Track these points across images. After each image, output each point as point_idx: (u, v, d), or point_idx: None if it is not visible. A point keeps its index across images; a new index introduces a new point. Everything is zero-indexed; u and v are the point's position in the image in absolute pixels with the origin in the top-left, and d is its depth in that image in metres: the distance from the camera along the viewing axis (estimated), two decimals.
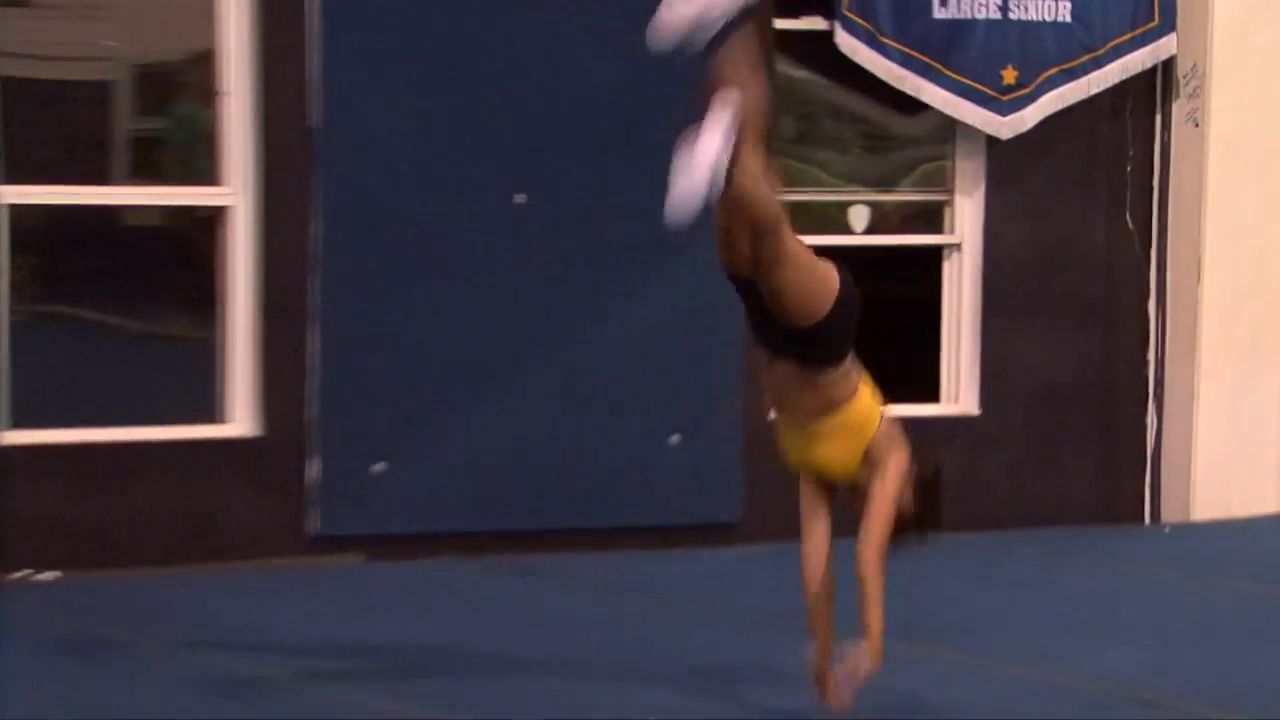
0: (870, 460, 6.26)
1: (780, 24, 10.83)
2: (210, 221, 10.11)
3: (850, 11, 10.77)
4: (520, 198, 10.75)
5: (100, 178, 10.44)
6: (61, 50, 10.55)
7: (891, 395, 10.86)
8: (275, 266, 10.14)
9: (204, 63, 10.29)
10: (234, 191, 10.09)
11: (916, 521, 6.55)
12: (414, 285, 10.72)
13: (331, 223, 10.12)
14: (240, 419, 10.08)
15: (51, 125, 10.73)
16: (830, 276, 5.90)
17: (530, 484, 10.28)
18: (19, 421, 9.81)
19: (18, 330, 9.83)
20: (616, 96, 10.64)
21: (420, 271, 10.69)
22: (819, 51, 11.07)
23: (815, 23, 10.86)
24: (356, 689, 8.04)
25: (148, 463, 9.92)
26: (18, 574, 9.59)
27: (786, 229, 5.87)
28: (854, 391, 6.12)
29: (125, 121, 10.89)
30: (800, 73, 11.41)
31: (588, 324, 10.99)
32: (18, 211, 9.85)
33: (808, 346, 5.92)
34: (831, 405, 6.11)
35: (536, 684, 7.99)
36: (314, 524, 9.93)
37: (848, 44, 10.76)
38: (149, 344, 10.73)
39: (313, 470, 9.88)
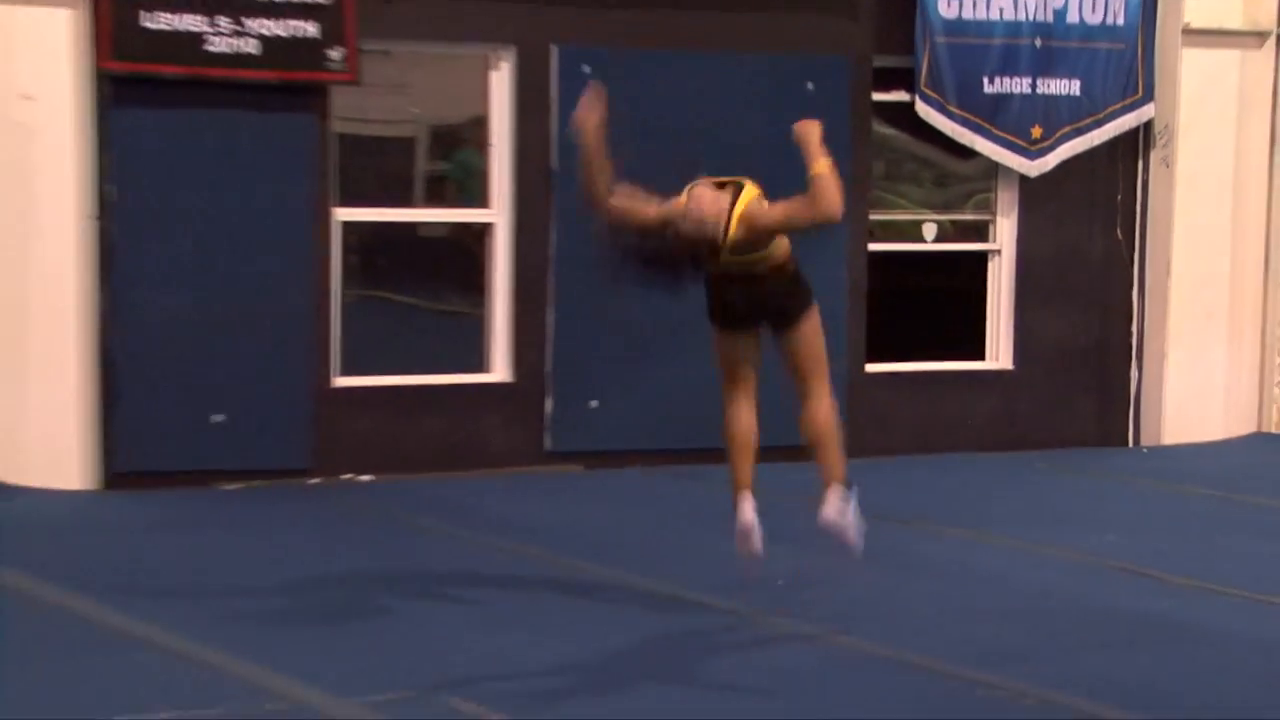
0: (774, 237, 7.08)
1: (877, 97, 12.81)
2: (480, 233, 12.01)
3: (926, 88, 12.75)
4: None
5: (405, 202, 12.39)
6: (380, 115, 12.42)
7: (952, 355, 13.23)
8: (524, 265, 12.01)
9: (479, 123, 12.22)
10: (497, 212, 11.95)
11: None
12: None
13: (563, 234, 11.85)
14: (499, 369, 11.98)
15: (372, 167, 12.51)
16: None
17: (699, 413, 10.88)
18: (347, 370, 11.80)
19: (347, 308, 11.77)
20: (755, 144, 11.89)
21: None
22: (903, 116, 13.02)
23: (901, 96, 12.83)
24: (583, 560, 9.65)
25: (436, 399, 11.87)
26: (345, 476, 11.68)
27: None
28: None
29: (423, 163, 12.82)
30: (889, 131, 13.24)
31: None
32: (348, 226, 11.78)
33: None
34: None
35: (710, 555, 9.20)
36: (548, 443, 11.94)
37: (924, 111, 12.77)
38: (438, 318, 12.65)
39: (548, 405, 11.81)
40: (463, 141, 12.72)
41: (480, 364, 12.14)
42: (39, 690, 7.16)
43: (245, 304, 11.47)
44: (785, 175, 11.29)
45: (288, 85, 11.55)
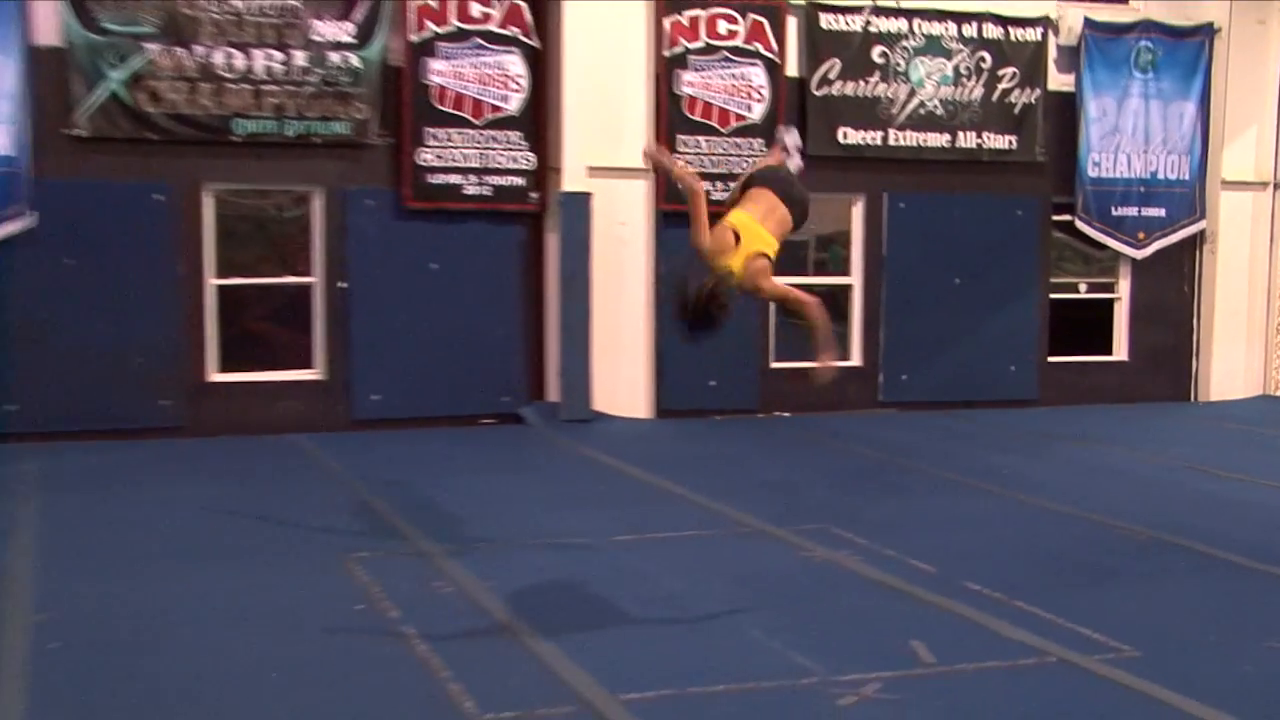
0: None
1: (1055, 217, 15.93)
2: (847, 291, 14.96)
3: (1081, 212, 16.09)
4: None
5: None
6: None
7: (1096, 352, 16.64)
8: (869, 306, 15.18)
9: (843, 236, 15.33)
10: (853, 281, 15.32)
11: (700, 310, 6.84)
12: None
13: (891, 290, 15.14)
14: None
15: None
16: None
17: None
18: (779, 356, 14.54)
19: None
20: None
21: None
22: (1068, 227, 16.31)
23: (1067, 216, 16.11)
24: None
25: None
26: (775, 413, 14.76)
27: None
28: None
29: (810, 254, 15.56)
30: (1060, 235, 16.31)
31: None
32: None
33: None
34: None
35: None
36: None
37: (1080, 225, 16.22)
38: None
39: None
40: (836, 240, 15.40)
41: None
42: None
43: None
44: (996, 263, 14.71)
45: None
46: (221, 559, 8.30)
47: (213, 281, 13.78)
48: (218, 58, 13.53)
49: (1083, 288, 16.92)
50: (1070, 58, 16.03)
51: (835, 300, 15.00)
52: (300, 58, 13.71)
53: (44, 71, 12.93)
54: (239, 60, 13.58)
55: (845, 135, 15.21)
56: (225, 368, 13.81)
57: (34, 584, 7.45)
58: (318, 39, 13.74)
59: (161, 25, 13.27)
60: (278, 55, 13.69)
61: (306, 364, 14.11)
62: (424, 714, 5.67)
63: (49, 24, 12.98)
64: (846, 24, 15.22)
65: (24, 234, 12.91)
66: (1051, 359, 16.46)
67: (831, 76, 15.08)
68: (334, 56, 13.77)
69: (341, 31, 13.83)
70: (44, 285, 13.03)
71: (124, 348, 13.16)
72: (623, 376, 14.44)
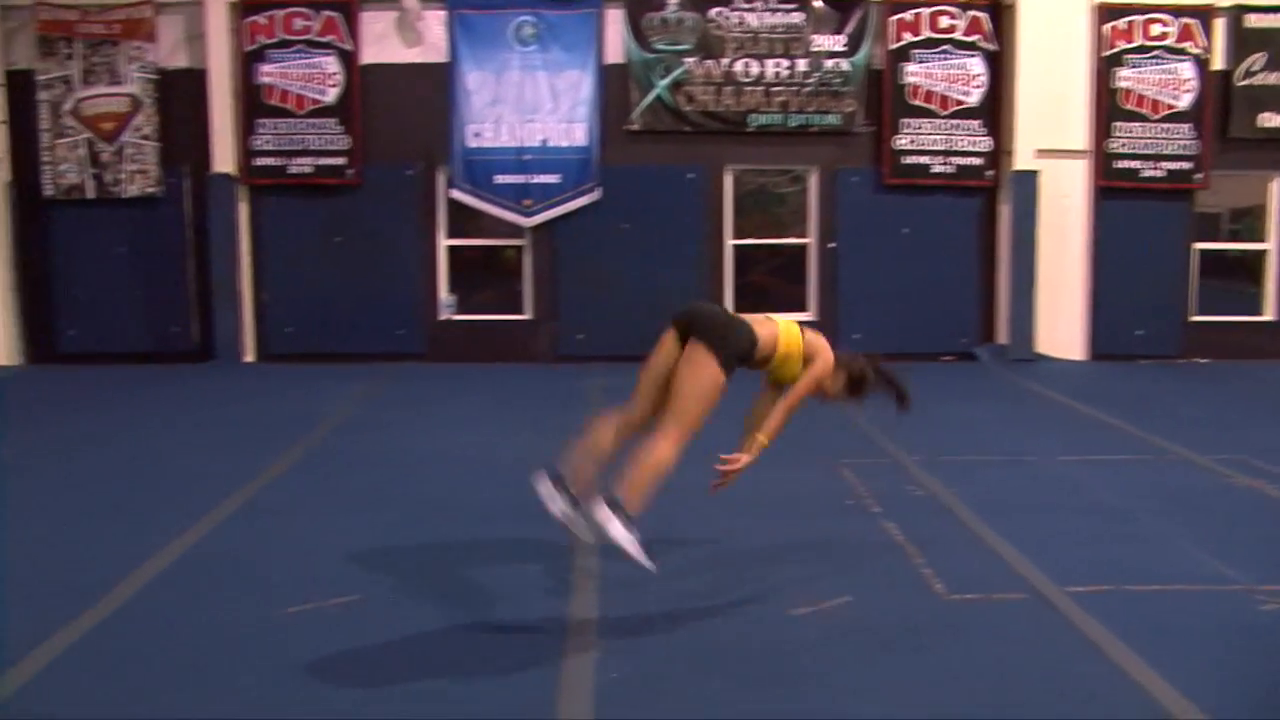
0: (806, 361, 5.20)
1: None
2: (1261, 256, 14.60)
3: None
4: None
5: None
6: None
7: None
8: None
9: (1258, 209, 14.64)
10: (1270, 246, 14.46)
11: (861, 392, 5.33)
12: None
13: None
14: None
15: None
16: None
17: None
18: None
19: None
20: None
21: None
22: None
23: None
24: None
25: None
26: (1195, 359, 14.04)
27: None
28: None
29: (1224, 225, 14.62)
30: None
31: None
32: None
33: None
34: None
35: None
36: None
37: None
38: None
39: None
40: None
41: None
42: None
43: None
44: None
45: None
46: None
47: (730, 241, 14.34)
48: (738, 67, 14.04)
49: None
50: None
51: (1249, 263, 14.54)
52: (802, 65, 14.08)
53: (611, 82, 13.92)
54: (754, 68, 14.02)
55: (1266, 120, 14.24)
56: (738, 309, 13.27)
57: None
58: (816, 49, 14.08)
59: (697, 43, 13.97)
60: (784, 63, 14.06)
61: (801, 308, 14.30)
62: (907, 590, 5.72)
63: (615, 46, 13.99)
64: (1273, 21, 14.20)
65: (593, 205, 13.96)
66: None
67: (1255, 69, 14.11)
68: (828, 63, 14.08)
69: (835, 43, 14.14)
70: (606, 243, 13.99)
71: (660, 291, 13.51)
72: (1061, 324, 14.15)
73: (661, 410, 4.81)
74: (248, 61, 13.83)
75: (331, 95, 13.83)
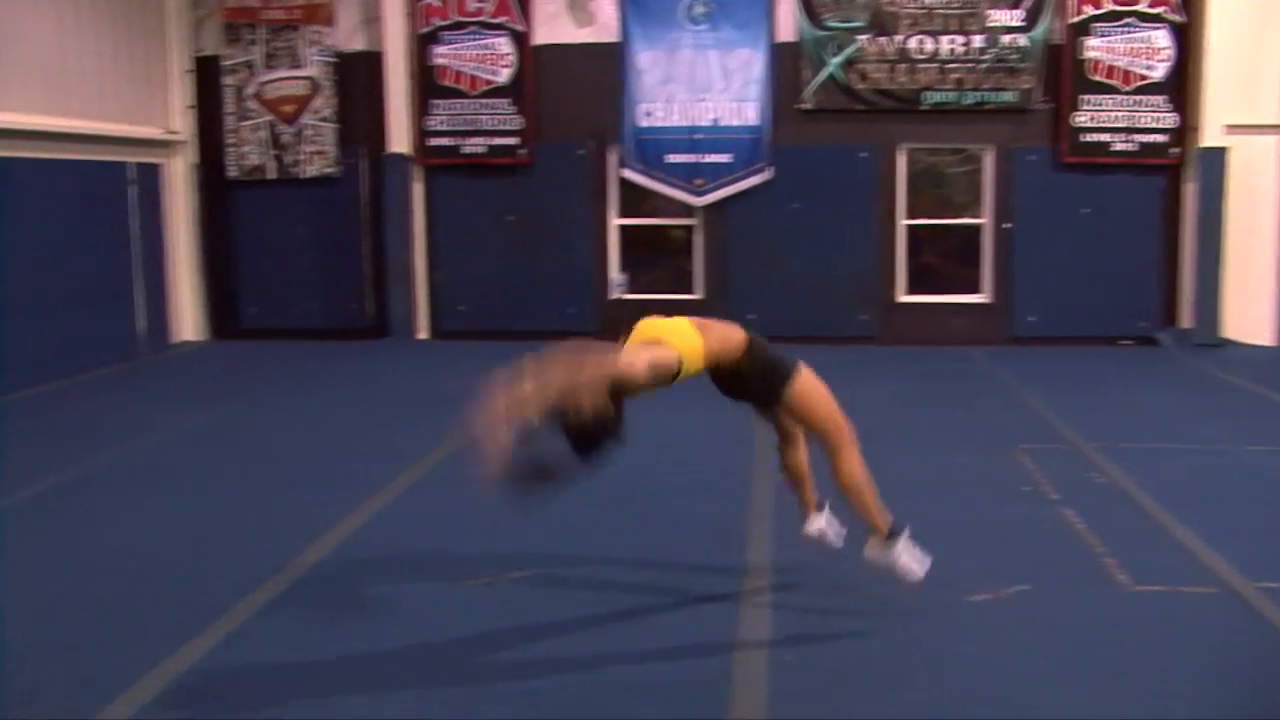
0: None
1: None
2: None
3: None
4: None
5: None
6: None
7: None
8: None
9: None
10: None
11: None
12: None
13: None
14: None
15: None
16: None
17: None
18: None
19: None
20: None
21: None
22: None
23: None
24: None
25: None
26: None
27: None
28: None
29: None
30: None
31: None
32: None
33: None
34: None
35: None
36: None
37: None
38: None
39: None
40: None
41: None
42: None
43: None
44: None
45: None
46: (904, 440, 8.40)
47: (903, 222, 14.16)
48: (912, 44, 13.85)
49: None
50: None
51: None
52: (978, 40, 13.75)
53: (782, 61, 13.84)
54: (929, 45, 13.80)
55: None
56: (911, 290, 14.13)
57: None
58: (992, 25, 13.79)
59: (870, 20, 13.82)
60: (959, 39, 13.79)
61: (975, 289, 14.16)
62: (1088, 580, 5.66)
63: (787, 25, 13.93)
64: None
65: (764, 184, 13.91)
66: None
67: None
68: (1005, 39, 13.73)
69: (1012, 18, 13.80)
70: (778, 223, 13.97)
71: (834, 272, 13.78)
72: (1251, 307, 13.66)
73: (820, 442, 5.04)
74: (422, 43, 14.02)
75: (504, 76, 13.97)
